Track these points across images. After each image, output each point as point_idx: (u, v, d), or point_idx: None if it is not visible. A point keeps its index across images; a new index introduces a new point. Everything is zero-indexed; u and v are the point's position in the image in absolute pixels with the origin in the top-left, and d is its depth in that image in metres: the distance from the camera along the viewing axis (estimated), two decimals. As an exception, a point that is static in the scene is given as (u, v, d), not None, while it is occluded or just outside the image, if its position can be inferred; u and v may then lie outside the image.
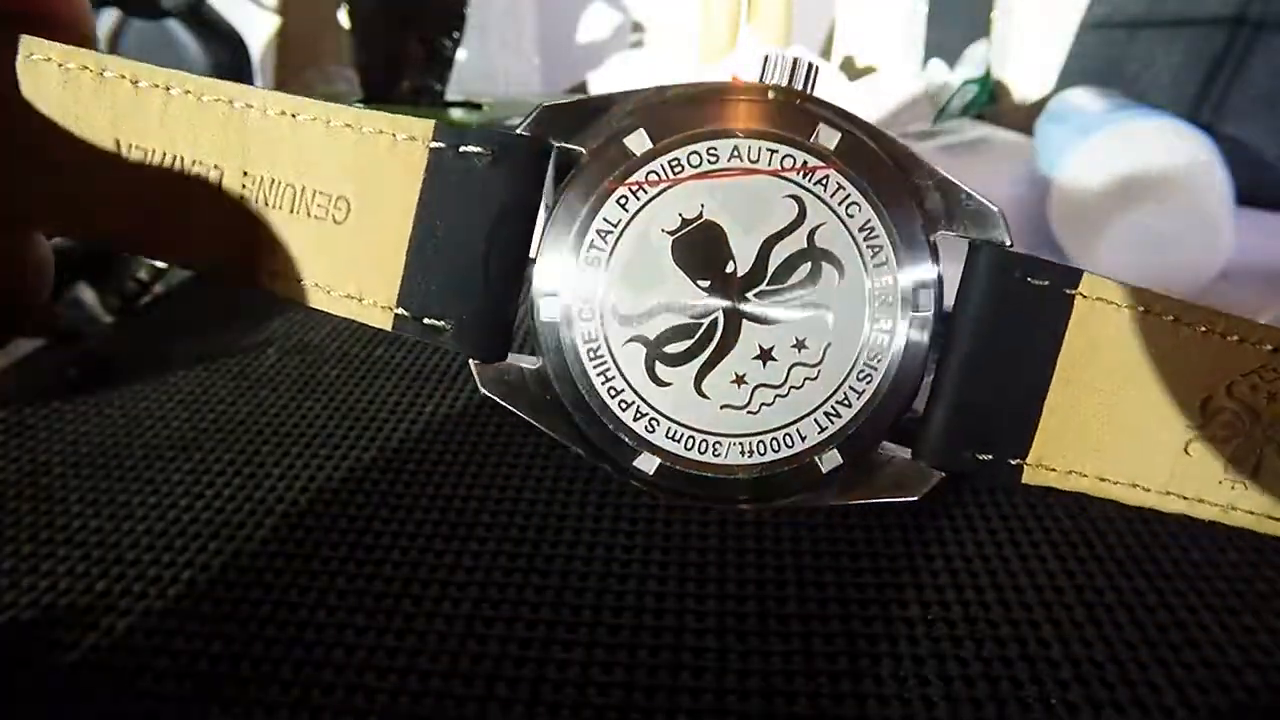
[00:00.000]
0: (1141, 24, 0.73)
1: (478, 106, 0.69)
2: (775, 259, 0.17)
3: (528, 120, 0.17)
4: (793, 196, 0.17)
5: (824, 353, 0.17)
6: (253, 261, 0.18)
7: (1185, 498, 0.17)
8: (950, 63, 0.85)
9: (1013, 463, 0.18)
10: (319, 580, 0.25)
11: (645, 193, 0.17)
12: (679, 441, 0.18)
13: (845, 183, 0.17)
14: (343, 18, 0.68)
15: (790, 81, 0.18)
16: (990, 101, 0.85)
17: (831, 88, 0.82)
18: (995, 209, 0.17)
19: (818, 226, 0.17)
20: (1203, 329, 0.17)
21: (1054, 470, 0.18)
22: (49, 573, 0.25)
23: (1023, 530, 0.27)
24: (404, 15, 0.67)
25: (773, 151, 0.17)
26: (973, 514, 0.28)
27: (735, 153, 0.17)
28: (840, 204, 0.17)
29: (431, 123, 0.17)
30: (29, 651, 0.22)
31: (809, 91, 0.18)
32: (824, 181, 0.17)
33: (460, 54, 0.71)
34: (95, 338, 0.40)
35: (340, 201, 0.18)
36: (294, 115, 0.17)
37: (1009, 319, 0.17)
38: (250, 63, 0.68)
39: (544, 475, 0.30)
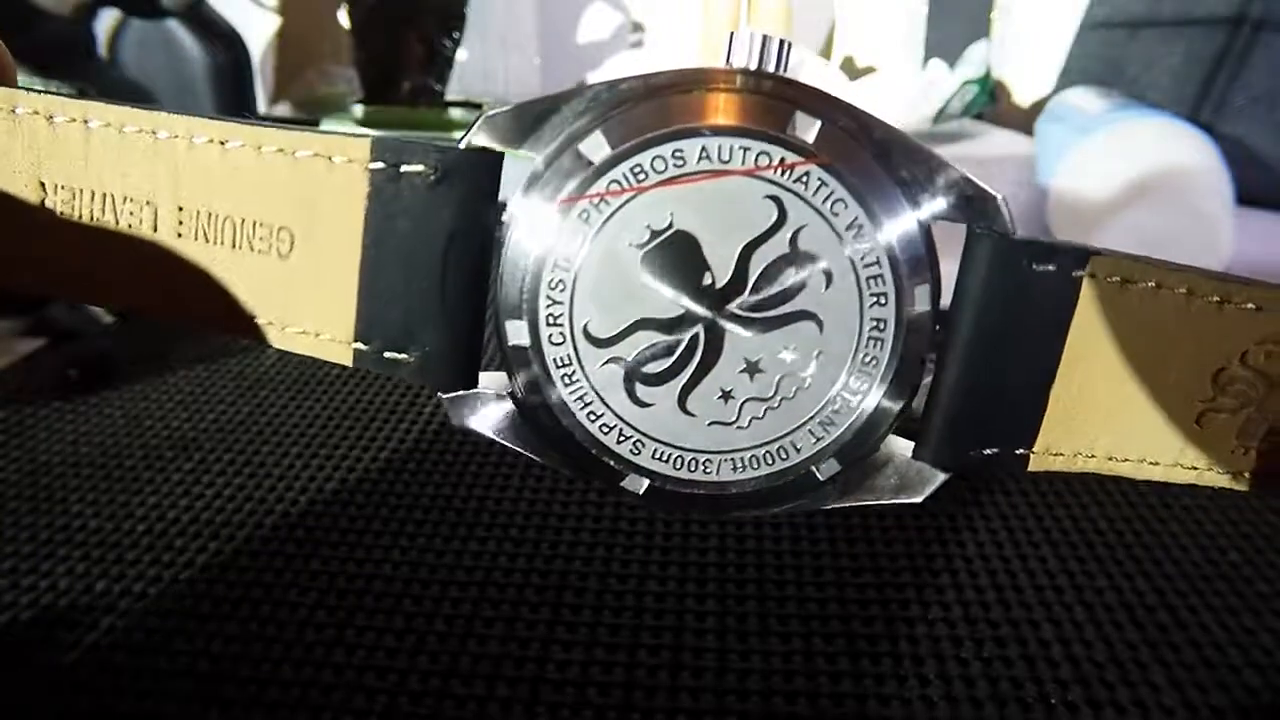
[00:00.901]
0: (1141, 24, 0.73)
1: (478, 106, 0.69)
2: (756, 266, 0.16)
3: (470, 131, 0.16)
4: (771, 197, 0.15)
5: (815, 361, 0.16)
6: (198, 303, 0.17)
7: (1195, 468, 0.17)
8: (950, 63, 0.85)
9: (1018, 453, 0.17)
10: (319, 580, 0.25)
11: (608, 205, 0.15)
12: (667, 461, 0.17)
13: (828, 178, 0.15)
14: (343, 18, 0.68)
15: (760, 63, 0.16)
16: (990, 101, 0.85)
17: (831, 87, 0.82)
18: (996, 195, 0.16)
19: (800, 228, 0.15)
20: (1216, 299, 0.16)
21: (1061, 455, 0.17)
22: (49, 573, 0.25)
23: (1023, 530, 0.27)
24: (404, 15, 0.67)
25: (745, 149, 0.15)
26: (972, 514, 0.28)
27: (704, 153, 0.15)
28: (824, 202, 0.15)
29: (368, 141, 0.16)
30: (29, 651, 0.22)
31: (781, 72, 0.16)
32: (804, 179, 0.15)
33: (460, 54, 0.71)
34: (95, 338, 0.40)
35: (283, 233, 0.16)
36: (223, 143, 0.16)
37: (1012, 310, 0.16)
38: (250, 63, 0.68)
39: (543, 475, 0.30)
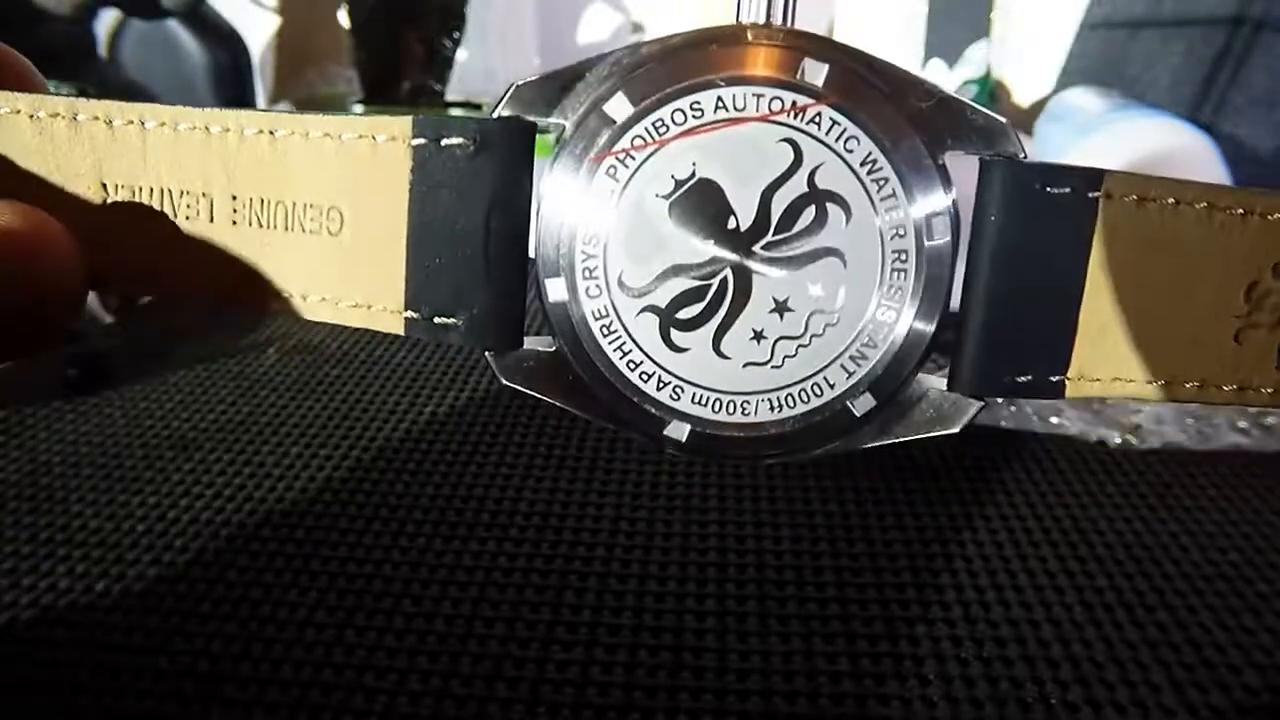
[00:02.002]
0: (1141, 24, 0.73)
1: (477, 107, 0.69)
2: (777, 207, 0.16)
3: (503, 101, 0.17)
4: (786, 140, 0.16)
5: (841, 296, 0.17)
6: (254, 285, 0.18)
7: (1239, 388, 0.17)
8: (950, 63, 0.85)
9: (1054, 380, 0.17)
10: (319, 580, 0.25)
11: (633, 159, 0.16)
12: (706, 405, 0.17)
13: (839, 117, 0.16)
14: (343, 18, 0.68)
15: (768, 16, 0.17)
16: (990, 101, 0.85)
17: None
18: (1003, 120, 0.16)
19: (817, 167, 0.16)
20: (1240, 212, 0.16)
21: (1098, 380, 0.17)
22: (49, 573, 0.25)
23: (1023, 530, 0.27)
24: (404, 15, 0.67)
25: (758, 96, 0.16)
26: (973, 514, 0.28)
27: (719, 103, 0.16)
28: (837, 140, 0.16)
29: (409, 119, 0.17)
30: (29, 651, 0.22)
31: (789, 24, 0.17)
32: (817, 120, 0.16)
33: (460, 54, 0.71)
34: (95, 338, 0.40)
35: (333, 213, 0.17)
36: (271, 132, 0.17)
37: (1031, 233, 0.16)
38: (250, 63, 0.68)
39: (544, 475, 0.30)
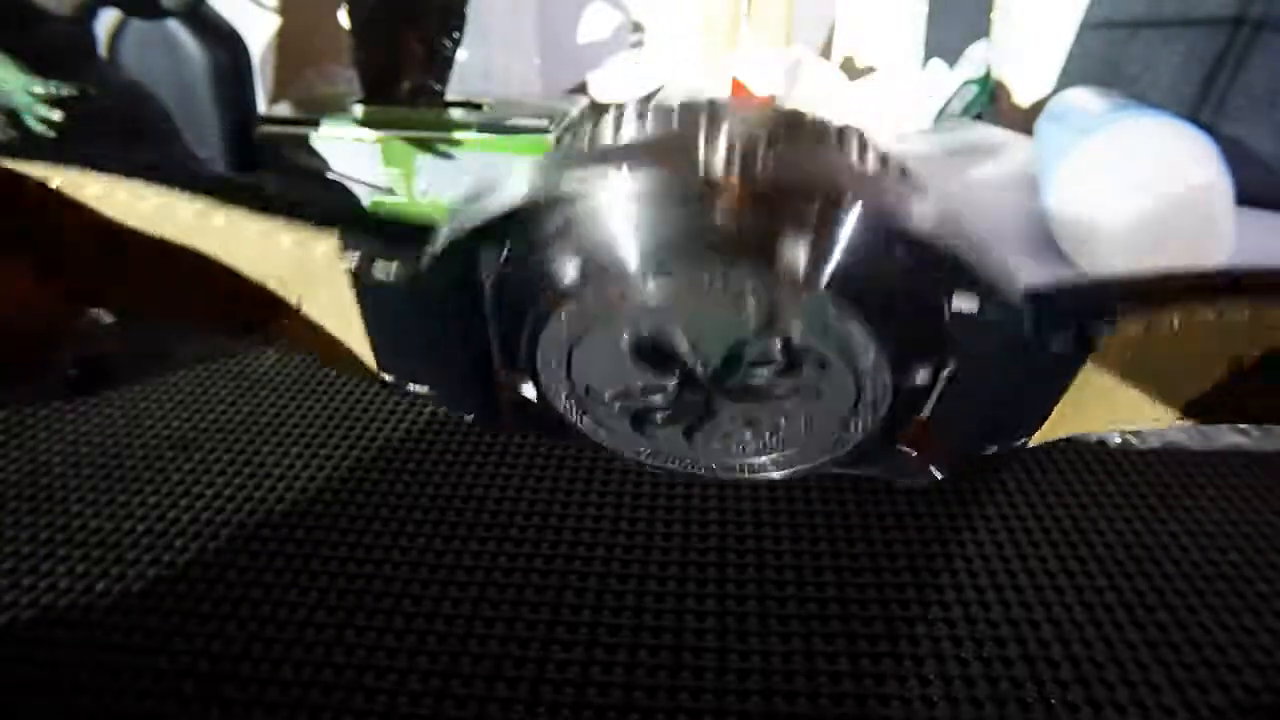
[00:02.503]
0: (1141, 24, 0.73)
1: (478, 106, 0.69)
2: (749, 355, 0.16)
3: (445, 240, 0.16)
4: (762, 306, 0.15)
5: (812, 418, 0.17)
6: (267, 325, 0.19)
7: (1200, 419, 0.17)
8: (950, 63, 0.85)
9: (1019, 443, 0.18)
10: (319, 580, 0.25)
11: (589, 310, 0.16)
12: (678, 464, 0.18)
13: (825, 302, 0.15)
14: (343, 18, 0.68)
15: (744, 167, 0.15)
16: (990, 101, 0.85)
17: (831, 87, 0.82)
18: (1004, 272, 0.15)
19: (794, 332, 0.15)
20: (1246, 315, 0.16)
21: (1061, 430, 0.18)
22: (49, 573, 0.25)
23: (1023, 530, 0.27)
24: (404, 15, 0.67)
25: (727, 279, 0.15)
26: (973, 514, 0.28)
27: (687, 281, 0.15)
28: (818, 315, 0.15)
29: (335, 242, 0.17)
30: (29, 651, 0.22)
31: (768, 167, 0.15)
32: (798, 300, 0.15)
33: (460, 54, 0.71)
34: (95, 338, 0.40)
35: (291, 292, 0.18)
36: (212, 221, 0.17)
37: (1017, 375, 0.16)
38: (250, 63, 0.68)
39: (544, 476, 0.30)
